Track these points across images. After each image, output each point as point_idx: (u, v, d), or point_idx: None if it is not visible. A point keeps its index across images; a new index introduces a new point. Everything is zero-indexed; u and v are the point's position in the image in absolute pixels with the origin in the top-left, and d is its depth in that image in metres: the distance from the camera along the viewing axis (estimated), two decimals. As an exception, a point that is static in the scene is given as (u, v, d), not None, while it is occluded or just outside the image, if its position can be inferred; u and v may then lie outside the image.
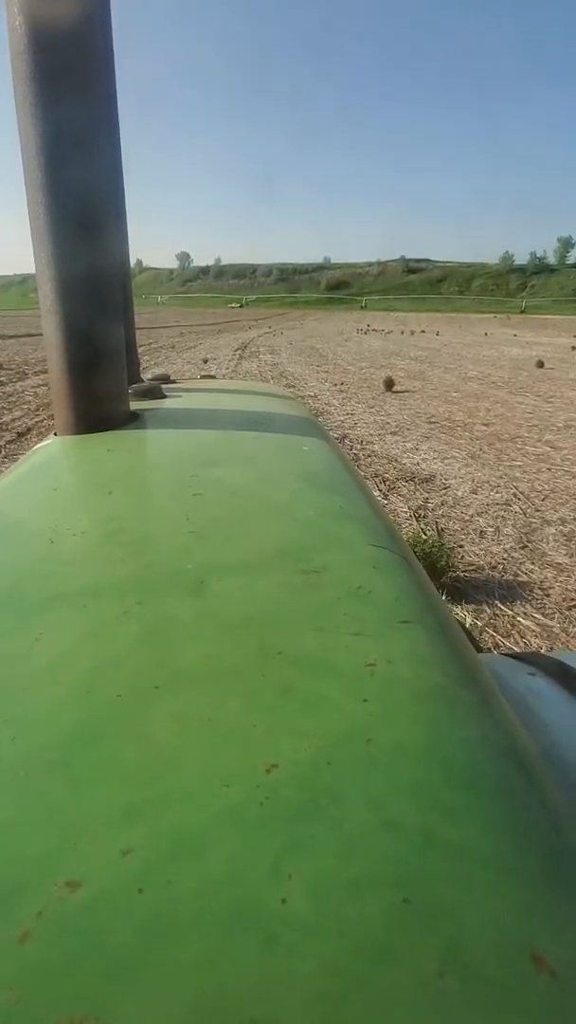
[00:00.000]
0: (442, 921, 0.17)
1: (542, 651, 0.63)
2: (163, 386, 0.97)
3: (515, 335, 23.79)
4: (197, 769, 0.21)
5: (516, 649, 2.08)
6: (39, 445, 0.69)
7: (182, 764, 0.21)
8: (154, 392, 0.90)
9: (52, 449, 0.65)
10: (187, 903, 0.17)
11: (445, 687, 0.27)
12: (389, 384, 8.01)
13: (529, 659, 0.52)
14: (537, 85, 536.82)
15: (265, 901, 0.17)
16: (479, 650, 0.55)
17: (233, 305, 68.06)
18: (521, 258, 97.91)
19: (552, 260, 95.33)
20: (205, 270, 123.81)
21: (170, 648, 0.28)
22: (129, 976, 0.15)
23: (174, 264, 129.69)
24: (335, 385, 8.53)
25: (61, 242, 0.59)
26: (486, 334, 24.07)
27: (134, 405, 0.80)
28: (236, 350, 13.80)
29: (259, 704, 0.25)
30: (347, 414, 6.35)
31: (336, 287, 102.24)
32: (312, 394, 7.60)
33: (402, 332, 24.01)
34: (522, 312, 61.70)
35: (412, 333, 23.42)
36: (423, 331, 25.13)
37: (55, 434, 0.69)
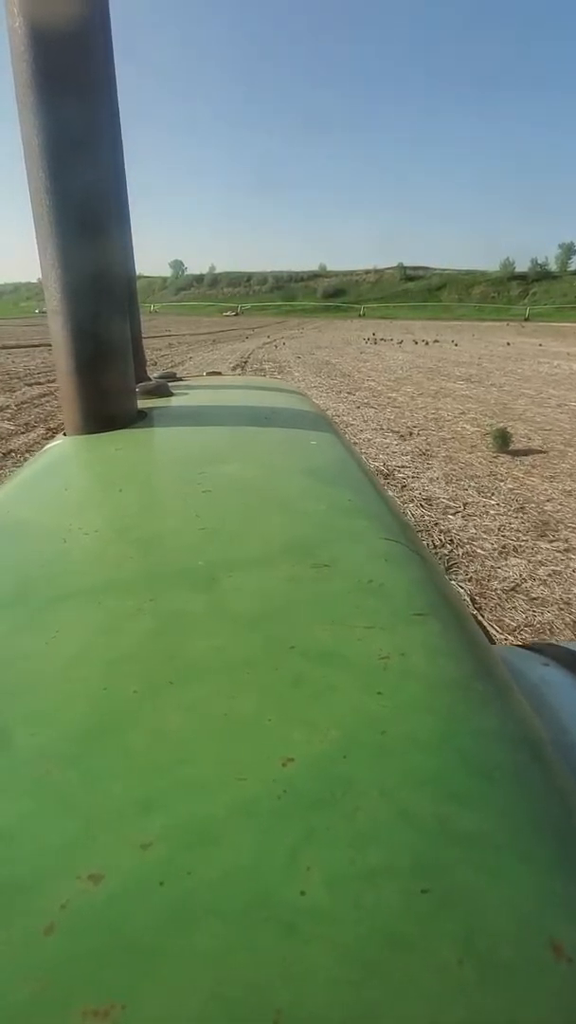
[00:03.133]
0: (459, 909, 0.17)
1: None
2: (170, 384, 0.97)
3: (540, 345, 21.47)
4: (214, 763, 0.22)
5: None
6: (49, 445, 0.70)
7: (199, 758, 0.22)
8: (161, 390, 0.90)
9: (62, 449, 0.65)
10: (207, 895, 0.17)
11: (459, 679, 0.27)
12: (503, 439, 4.74)
13: (543, 650, 0.50)
14: (536, 88, 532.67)
15: (284, 892, 0.17)
16: (492, 642, 0.48)
17: (228, 313, 65.71)
18: (521, 265, 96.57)
19: (553, 267, 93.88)
20: (199, 278, 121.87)
21: (184, 644, 0.29)
22: (151, 966, 0.15)
23: (167, 272, 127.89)
24: (403, 437, 5.14)
25: (66, 243, 0.60)
26: (508, 343, 21.77)
27: (141, 403, 0.79)
28: (235, 367, 11.19)
29: (273, 698, 0.25)
30: (498, 554, 2.82)
31: (333, 295, 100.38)
32: (380, 466, 4.27)
33: (415, 342, 21.56)
34: (526, 319, 59.86)
35: (426, 343, 20.98)
36: (436, 340, 22.74)
37: (64, 434, 0.69)
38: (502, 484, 3.98)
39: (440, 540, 3.05)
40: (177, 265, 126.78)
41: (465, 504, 3.58)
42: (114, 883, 0.17)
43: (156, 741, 0.23)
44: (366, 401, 7.42)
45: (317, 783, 0.20)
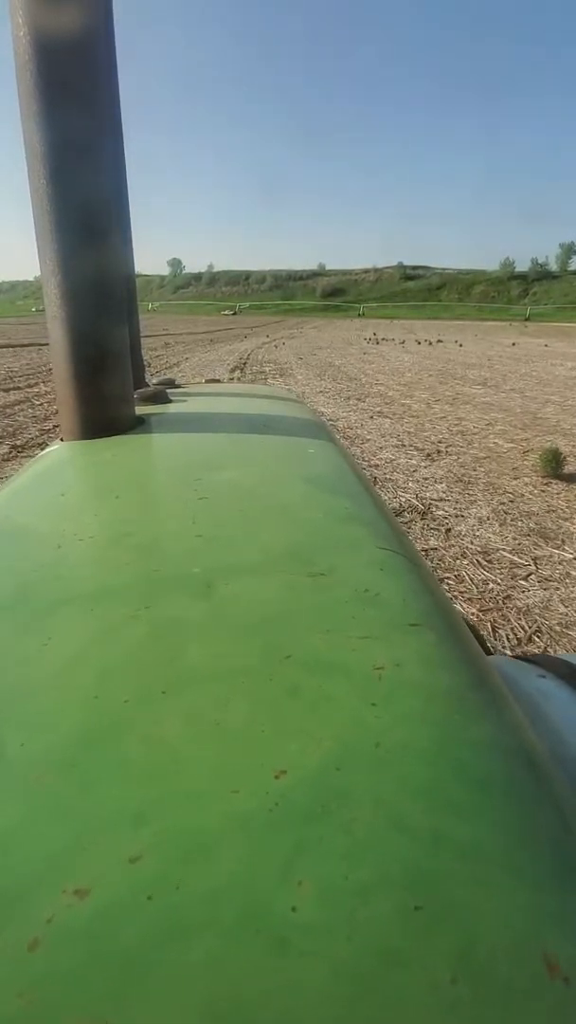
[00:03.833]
0: (454, 925, 0.16)
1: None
2: (168, 391, 0.98)
3: (546, 345, 20.82)
4: (206, 774, 0.21)
5: None
6: (46, 451, 0.69)
7: (191, 769, 0.21)
8: (159, 397, 0.90)
9: (58, 454, 0.65)
10: (196, 910, 0.17)
11: (454, 690, 0.27)
12: (556, 462, 3.95)
13: (539, 661, 0.50)
14: (537, 89, 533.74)
15: (275, 907, 0.17)
16: (488, 652, 0.51)
17: (227, 312, 64.82)
18: (522, 264, 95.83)
19: (554, 267, 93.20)
20: (197, 276, 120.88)
21: (178, 652, 0.28)
22: (138, 983, 0.15)
23: (165, 271, 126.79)
24: (429, 456, 4.40)
25: (66, 249, 0.60)
26: (514, 344, 21.14)
27: (139, 410, 0.79)
28: (233, 369, 10.43)
29: (267, 708, 0.24)
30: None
31: (332, 294, 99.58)
32: (413, 499, 3.43)
33: (418, 342, 20.89)
34: (527, 319, 59.18)
35: (430, 343, 20.31)
36: (440, 341, 22.08)
37: (61, 439, 0.69)
38: (569, 525, 3.11)
39: (524, 627, 2.05)
40: (175, 263, 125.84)
41: (535, 559, 2.65)
42: (101, 897, 0.17)
43: (147, 751, 0.22)
44: (379, 409, 6.64)
45: (310, 795, 0.20)
